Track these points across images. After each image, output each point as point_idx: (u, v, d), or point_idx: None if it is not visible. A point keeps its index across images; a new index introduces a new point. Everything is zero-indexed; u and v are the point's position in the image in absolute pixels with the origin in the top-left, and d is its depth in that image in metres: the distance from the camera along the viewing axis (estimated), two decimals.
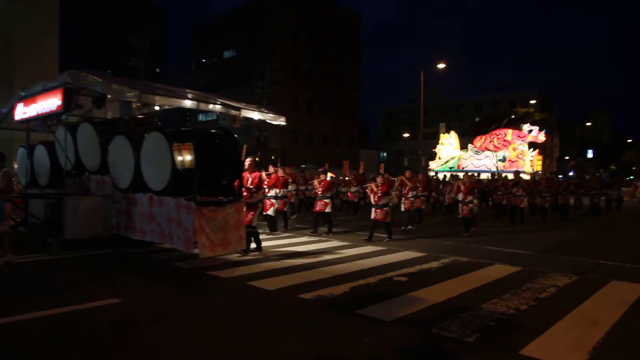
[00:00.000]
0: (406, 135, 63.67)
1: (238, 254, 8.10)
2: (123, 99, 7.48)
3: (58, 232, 8.36)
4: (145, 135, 7.96)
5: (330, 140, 50.72)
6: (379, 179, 10.63)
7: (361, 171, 18.75)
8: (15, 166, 11.40)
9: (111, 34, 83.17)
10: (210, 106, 8.10)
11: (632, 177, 53.31)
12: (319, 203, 11.58)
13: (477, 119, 65.23)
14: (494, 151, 34.61)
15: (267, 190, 10.88)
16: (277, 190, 11.27)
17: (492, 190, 18.26)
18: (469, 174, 15.71)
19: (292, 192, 14.57)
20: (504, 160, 33.90)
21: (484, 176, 25.83)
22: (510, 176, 16.40)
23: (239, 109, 8.17)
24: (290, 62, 45.70)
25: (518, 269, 7.52)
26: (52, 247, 8.24)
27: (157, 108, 9.45)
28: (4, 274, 6.59)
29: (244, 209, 7.93)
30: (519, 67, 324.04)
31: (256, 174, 8.59)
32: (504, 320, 4.88)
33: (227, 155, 7.98)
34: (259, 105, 10.51)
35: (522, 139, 34.14)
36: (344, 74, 51.78)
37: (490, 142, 35.43)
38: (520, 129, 35.37)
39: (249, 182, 8.47)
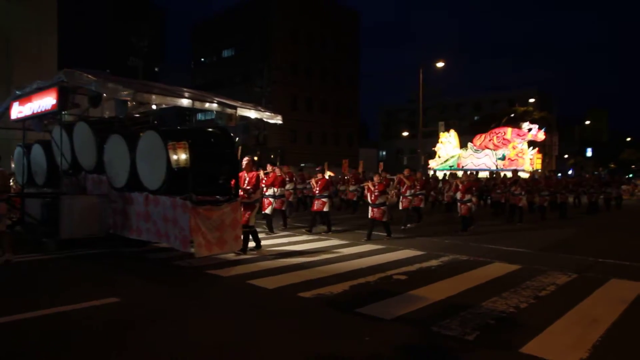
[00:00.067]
0: (405, 133, 63.62)
1: (236, 254, 8.06)
2: (118, 97, 7.47)
3: (54, 232, 8.32)
4: (141, 134, 7.93)
5: (329, 139, 50.69)
6: (375, 178, 10.61)
7: (360, 170, 18.72)
8: (13, 165, 11.39)
9: (110, 33, 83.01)
10: (207, 105, 8.08)
11: (631, 176, 53.25)
12: (316, 202, 11.55)
13: (476, 118, 65.17)
14: (494, 150, 34.59)
15: (265, 189, 10.86)
16: (275, 189, 11.25)
17: (491, 189, 18.26)
18: (467, 172, 15.65)
19: (291, 191, 14.55)
20: (503, 158, 33.87)
21: (482, 175, 25.79)
22: (509, 175, 16.36)
23: (235, 107, 8.15)
24: (289, 61, 45.65)
25: (518, 267, 7.50)
26: (48, 246, 8.19)
27: (154, 107, 9.42)
28: (1, 274, 6.55)
29: (241, 209, 7.90)
30: (519, 66, 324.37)
31: (253, 173, 8.56)
32: (504, 318, 4.87)
33: (223, 154, 7.94)
34: (257, 104, 10.48)
35: (521, 137, 34.10)
36: (343, 72, 51.76)
37: (489, 140, 35.40)
38: (519, 128, 35.35)
39: (246, 182, 8.43)
